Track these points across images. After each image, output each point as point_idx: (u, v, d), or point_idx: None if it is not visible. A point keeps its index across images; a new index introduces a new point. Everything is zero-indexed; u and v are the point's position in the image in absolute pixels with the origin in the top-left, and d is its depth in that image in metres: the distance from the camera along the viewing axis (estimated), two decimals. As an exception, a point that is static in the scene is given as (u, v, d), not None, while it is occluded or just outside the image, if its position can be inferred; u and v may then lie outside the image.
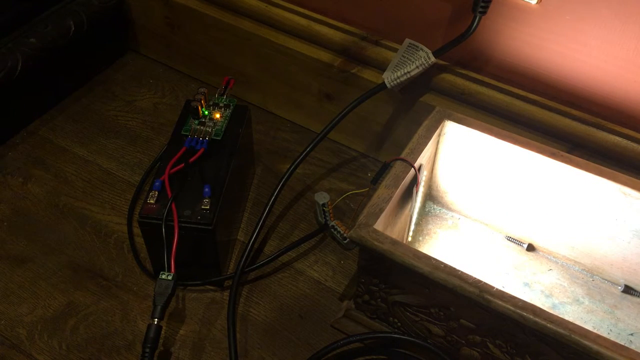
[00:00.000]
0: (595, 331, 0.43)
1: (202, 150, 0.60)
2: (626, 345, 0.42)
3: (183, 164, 0.59)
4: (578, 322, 0.44)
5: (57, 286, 0.61)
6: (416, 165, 0.54)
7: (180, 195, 0.57)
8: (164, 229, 0.55)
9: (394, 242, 0.47)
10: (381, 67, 0.67)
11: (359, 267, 0.53)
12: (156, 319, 0.52)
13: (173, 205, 0.55)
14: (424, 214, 0.66)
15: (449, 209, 0.66)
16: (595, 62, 0.57)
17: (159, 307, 0.53)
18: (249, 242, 0.61)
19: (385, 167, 0.55)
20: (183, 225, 0.55)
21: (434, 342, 0.54)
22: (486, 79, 0.64)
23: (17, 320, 0.59)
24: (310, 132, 0.79)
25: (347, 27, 0.70)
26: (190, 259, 0.60)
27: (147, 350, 0.52)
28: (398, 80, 0.63)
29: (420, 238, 0.64)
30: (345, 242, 0.65)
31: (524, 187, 0.58)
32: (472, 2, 0.58)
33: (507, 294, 0.44)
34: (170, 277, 0.54)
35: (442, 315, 0.51)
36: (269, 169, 0.74)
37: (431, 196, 0.66)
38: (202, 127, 0.62)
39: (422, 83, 0.66)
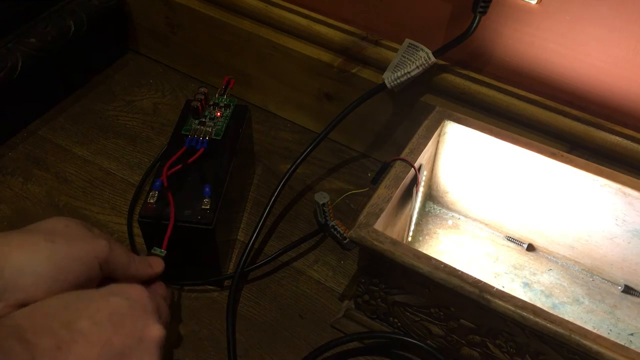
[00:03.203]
0: (595, 331, 0.43)
1: (202, 150, 0.60)
2: (626, 345, 0.42)
3: (183, 164, 0.59)
4: (578, 322, 0.44)
5: (57, 286, 0.61)
6: (416, 165, 0.54)
7: (181, 195, 0.57)
8: (159, 228, 0.54)
9: (394, 242, 0.47)
10: (381, 67, 0.67)
11: (359, 267, 0.53)
12: None
13: (170, 198, 0.55)
14: (424, 214, 0.66)
15: (449, 209, 0.66)
16: (595, 62, 0.57)
17: None
18: (249, 242, 0.61)
19: (385, 167, 0.55)
20: (183, 225, 0.55)
21: (434, 342, 0.54)
22: (486, 79, 0.64)
23: (17, 320, 0.59)
24: (310, 132, 0.79)
25: (347, 27, 0.70)
26: (190, 258, 0.60)
27: None
28: (398, 81, 0.63)
29: (420, 238, 0.64)
30: (345, 242, 0.65)
31: (524, 187, 0.58)
32: (472, 2, 0.58)
33: (507, 294, 0.44)
34: (162, 254, 0.53)
35: (442, 315, 0.51)
36: (269, 169, 0.74)
37: (431, 196, 0.66)
38: (202, 127, 0.62)
39: (422, 83, 0.66)
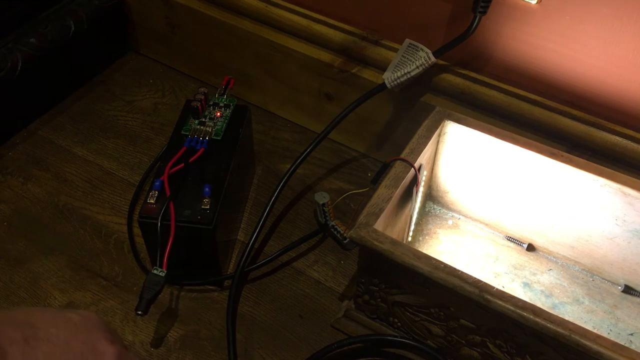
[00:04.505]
0: (595, 331, 0.43)
1: (202, 150, 0.60)
2: (626, 345, 0.42)
3: (183, 164, 0.59)
4: (578, 322, 0.44)
5: (57, 286, 0.61)
6: (416, 165, 0.54)
7: (181, 195, 0.57)
8: (159, 228, 0.54)
9: (394, 242, 0.47)
10: (381, 67, 0.67)
11: (359, 267, 0.53)
12: (140, 312, 0.52)
13: (171, 205, 0.55)
14: (424, 214, 0.66)
15: (449, 209, 0.66)
16: (595, 62, 0.57)
17: (144, 300, 0.53)
18: (249, 242, 0.61)
19: (385, 167, 0.55)
20: (183, 225, 0.55)
21: (434, 342, 0.54)
22: (486, 79, 0.64)
23: (17, 320, 0.59)
24: (310, 132, 0.79)
25: (347, 27, 0.70)
26: (190, 258, 0.60)
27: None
28: (398, 81, 0.63)
29: (420, 238, 0.64)
30: (345, 242, 0.65)
31: (524, 187, 0.58)
32: (472, 2, 0.58)
33: (507, 294, 0.44)
34: (162, 274, 0.54)
35: (442, 315, 0.51)
36: (269, 169, 0.74)
37: (431, 196, 0.66)
38: (202, 127, 0.62)
39: (422, 83, 0.66)
